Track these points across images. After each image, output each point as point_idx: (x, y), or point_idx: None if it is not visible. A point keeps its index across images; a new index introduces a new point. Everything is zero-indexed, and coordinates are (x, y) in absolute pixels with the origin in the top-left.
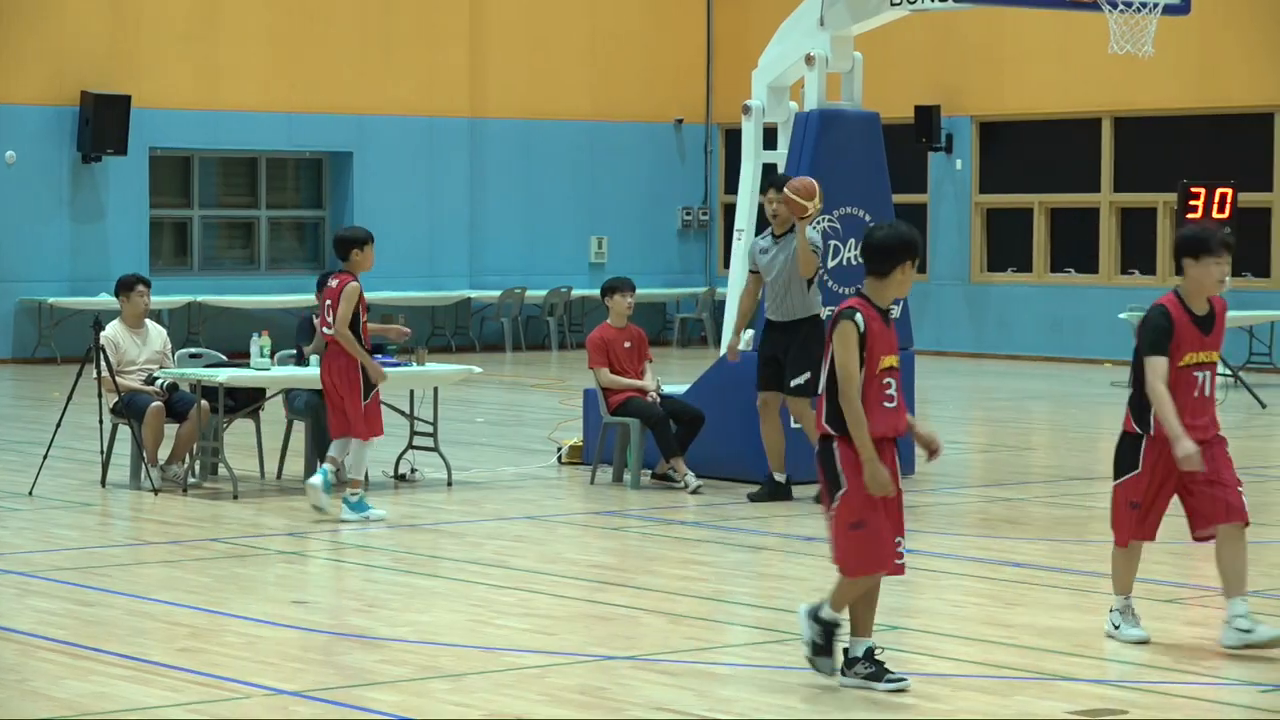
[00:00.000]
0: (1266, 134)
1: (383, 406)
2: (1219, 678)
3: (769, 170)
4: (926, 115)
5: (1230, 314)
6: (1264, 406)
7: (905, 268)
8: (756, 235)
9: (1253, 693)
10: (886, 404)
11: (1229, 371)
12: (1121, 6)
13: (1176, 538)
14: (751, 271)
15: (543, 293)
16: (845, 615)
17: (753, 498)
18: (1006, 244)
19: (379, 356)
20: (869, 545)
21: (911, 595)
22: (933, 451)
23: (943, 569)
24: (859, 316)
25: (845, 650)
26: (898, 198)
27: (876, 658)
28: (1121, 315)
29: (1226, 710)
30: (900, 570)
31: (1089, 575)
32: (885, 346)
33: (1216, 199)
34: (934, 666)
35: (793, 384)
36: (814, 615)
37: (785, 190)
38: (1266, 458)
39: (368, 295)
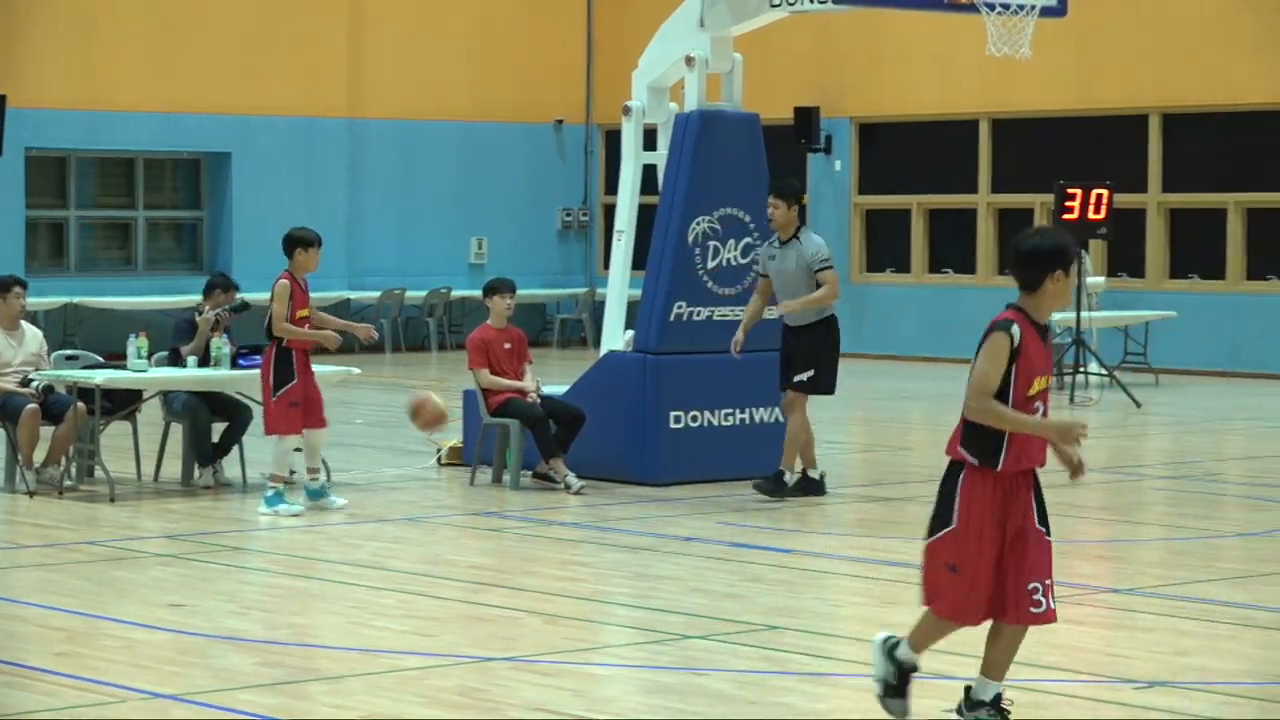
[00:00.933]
0: (1141, 136)
1: (284, 415)
2: (1096, 676)
3: (649, 171)
4: (806, 116)
5: (1105, 314)
6: (1139, 406)
7: (1056, 277)
8: (765, 241)
9: (1127, 690)
10: None
11: (1104, 371)
12: (999, 9)
13: (1055, 536)
14: (761, 275)
15: (422, 293)
16: (921, 659)
17: (781, 494)
18: (885, 244)
19: (257, 358)
20: (959, 591)
21: (791, 595)
22: (1074, 472)
23: (822, 569)
24: (1016, 329)
25: (968, 689)
26: None
27: (1003, 707)
28: None
29: (1102, 709)
30: (1040, 620)
31: None
32: (1041, 366)
33: (1092, 200)
34: (813, 666)
35: (796, 379)
36: (890, 651)
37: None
38: (1141, 457)
39: (250, 296)
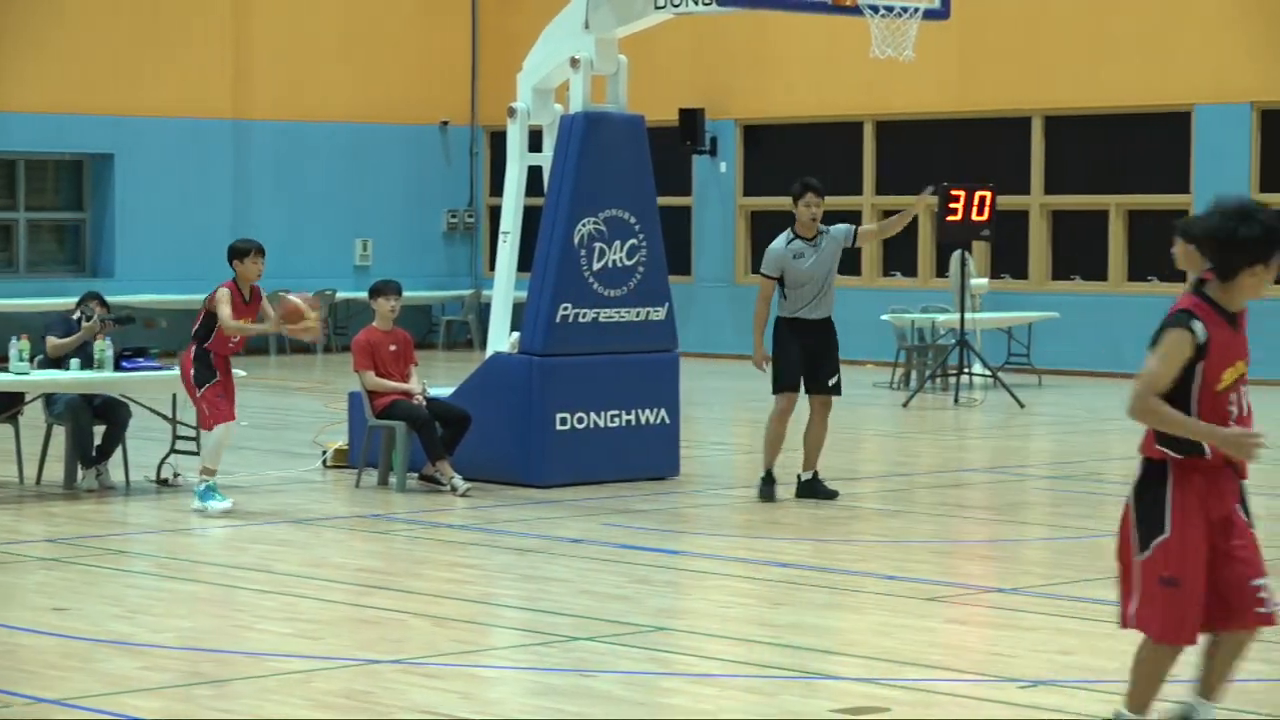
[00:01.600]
0: (1024, 137)
1: (214, 405)
2: (981, 675)
3: (534, 172)
4: (691, 118)
5: (989, 315)
6: (1022, 406)
7: (1255, 271)
8: (779, 241)
9: (1012, 689)
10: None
11: (988, 372)
12: (882, 11)
13: (940, 537)
14: (769, 276)
15: (307, 295)
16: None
17: (764, 497)
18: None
19: (140, 360)
20: (1178, 608)
21: (678, 596)
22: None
23: (708, 569)
24: (1198, 325)
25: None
26: (662, 200)
27: None
28: (884, 317)
29: (988, 708)
30: (1268, 621)
31: (852, 574)
32: (1231, 357)
33: (976, 201)
34: (700, 666)
35: (830, 383)
36: None
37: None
38: (1025, 457)
39: (128, 299)
